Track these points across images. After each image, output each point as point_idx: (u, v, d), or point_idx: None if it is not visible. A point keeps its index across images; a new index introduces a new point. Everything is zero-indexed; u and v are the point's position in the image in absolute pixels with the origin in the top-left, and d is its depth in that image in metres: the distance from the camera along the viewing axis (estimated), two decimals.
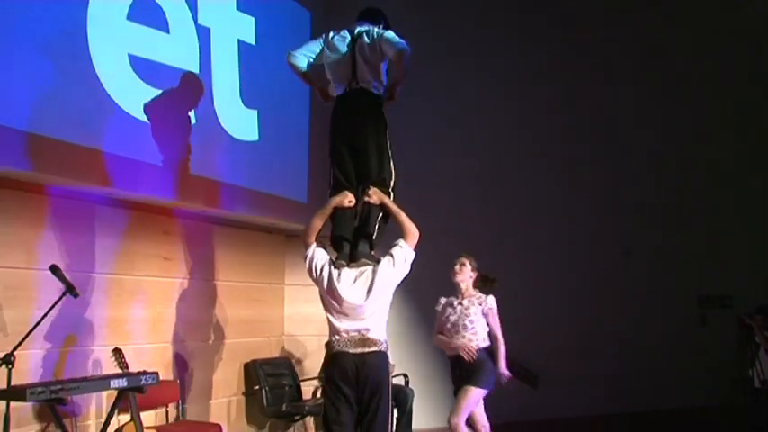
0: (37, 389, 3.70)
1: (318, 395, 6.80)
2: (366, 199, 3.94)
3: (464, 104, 7.24)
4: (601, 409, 6.86)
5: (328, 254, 3.91)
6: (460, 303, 5.02)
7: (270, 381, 6.16)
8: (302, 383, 6.53)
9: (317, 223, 3.94)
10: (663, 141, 7.26)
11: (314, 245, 3.92)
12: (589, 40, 7.25)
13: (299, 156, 6.54)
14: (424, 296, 6.52)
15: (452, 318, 4.99)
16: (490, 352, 4.93)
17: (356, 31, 4.22)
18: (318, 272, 3.85)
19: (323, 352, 6.64)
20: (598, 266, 7.20)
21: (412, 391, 6.38)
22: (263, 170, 6.05)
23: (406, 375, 6.59)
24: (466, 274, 5.05)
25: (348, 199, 3.95)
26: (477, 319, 4.91)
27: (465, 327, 4.91)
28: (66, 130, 4.28)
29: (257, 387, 6.09)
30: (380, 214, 3.94)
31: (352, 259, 3.82)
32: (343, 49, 4.18)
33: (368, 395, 3.71)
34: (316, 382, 6.69)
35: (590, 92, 7.27)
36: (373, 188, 3.95)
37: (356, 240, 3.86)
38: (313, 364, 6.84)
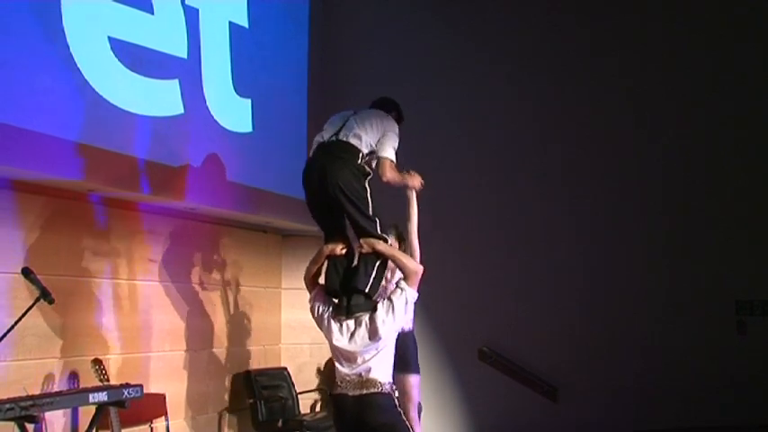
0: (4, 405, 3.57)
1: (318, 409, 6.73)
2: (358, 250, 4.04)
3: (476, 99, 7.30)
4: (627, 425, 6.75)
5: (328, 303, 4.02)
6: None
7: (265, 393, 6.13)
8: (300, 396, 6.48)
9: (312, 269, 4.11)
10: (696, 132, 7.16)
11: (314, 293, 4.07)
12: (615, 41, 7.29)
13: (296, 148, 6.47)
14: (428, 303, 6.43)
15: None
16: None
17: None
18: (319, 320, 4.01)
19: (322, 362, 6.70)
20: (621, 268, 7.08)
21: (419, 404, 6.26)
22: (257, 164, 6.01)
23: None
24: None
25: (340, 247, 4.04)
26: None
27: None
28: (39, 121, 4.18)
29: (251, 400, 6.05)
30: (378, 263, 3.99)
31: (348, 312, 3.91)
32: (338, 115, 4.20)
33: None
34: (315, 395, 6.59)
35: (619, 84, 7.23)
36: (364, 239, 4.00)
37: (350, 294, 3.94)
38: (311, 374, 6.79)
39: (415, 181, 4.37)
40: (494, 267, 7.09)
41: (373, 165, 4.06)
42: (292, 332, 6.86)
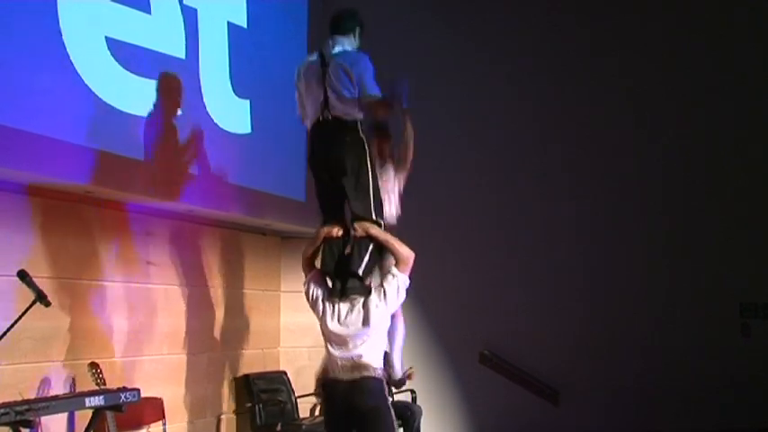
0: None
1: (317, 413, 6.67)
2: (352, 233, 4.06)
3: (476, 99, 7.30)
4: (627, 425, 6.74)
5: (323, 286, 4.07)
6: None
7: (263, 397, 6.09)
8: (299, 400, 6.44)
9: (309, 251, 4.16)
10: (696, 132, 7.14)
11: (309, 275, 4.13)
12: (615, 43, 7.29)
13: (295, 150, 6.42)
14: (429, 304, 6.41)
15: None
16: None
17: (326, 55, 4.19)
18: (314, 304, 4.05)
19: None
20: (621, 268, 7.06)
21: (419, 408, 6.25)
22: (256, 166, 5.97)
23: (413, 392, 6.45)
24: None
25: (337, 229, 4.07)
26: None
27: None
28: (35, 122, 4.13)
29: (250, 404, 6.01)
30: (371, 246, 4.02)
31: (343, 294, 3.95)
32: (313, 77, 4.16)
33: (363, 422, 3.82)
34: (314, 399, 6.53)
35: (619, 84, 7.23)
36: (358, 222, 4.03)
37: (345, 277, 3.96)
38: (311, 378, 6.72)
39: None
40: (494, 267, 7.06)
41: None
42: (291, 335, 6.81)
